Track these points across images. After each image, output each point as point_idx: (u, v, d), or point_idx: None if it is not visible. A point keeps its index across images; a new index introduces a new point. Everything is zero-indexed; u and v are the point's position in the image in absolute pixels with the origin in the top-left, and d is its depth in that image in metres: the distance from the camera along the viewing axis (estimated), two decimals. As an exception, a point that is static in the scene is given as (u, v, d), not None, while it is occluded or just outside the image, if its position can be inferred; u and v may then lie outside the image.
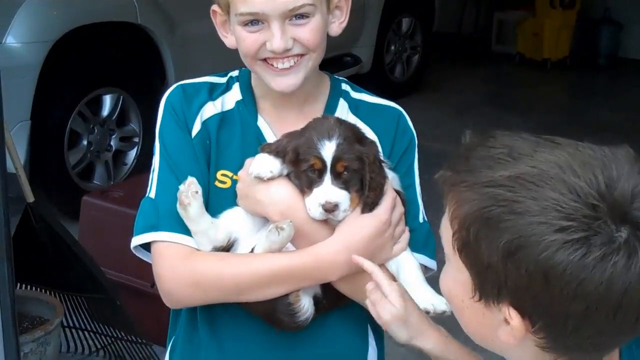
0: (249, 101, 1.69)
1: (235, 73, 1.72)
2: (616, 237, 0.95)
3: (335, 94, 1.73)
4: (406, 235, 1.60)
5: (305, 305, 1.55)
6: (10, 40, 4.43)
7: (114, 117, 5.06)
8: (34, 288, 3.50)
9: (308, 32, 1.58)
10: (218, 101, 1.69)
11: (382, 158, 1.59)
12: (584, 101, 7.95)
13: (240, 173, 1.61)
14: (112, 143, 5.11)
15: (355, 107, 1.73)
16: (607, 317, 0.97)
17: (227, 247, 1.58)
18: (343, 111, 1.71)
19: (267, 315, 1.57)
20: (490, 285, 1.01)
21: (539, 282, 0.96)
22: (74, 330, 3.58)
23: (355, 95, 1.75)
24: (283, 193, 1.55)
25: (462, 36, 9.88)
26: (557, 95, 8.23)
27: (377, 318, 1.51)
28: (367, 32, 6.93)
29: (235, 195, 1.62)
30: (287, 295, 1.54)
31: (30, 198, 3.23)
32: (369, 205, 1.54)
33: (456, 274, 1.07)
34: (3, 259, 2.73)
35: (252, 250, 1.56)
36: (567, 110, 7.62)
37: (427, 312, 1.51)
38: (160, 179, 1.62)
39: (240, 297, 1.56)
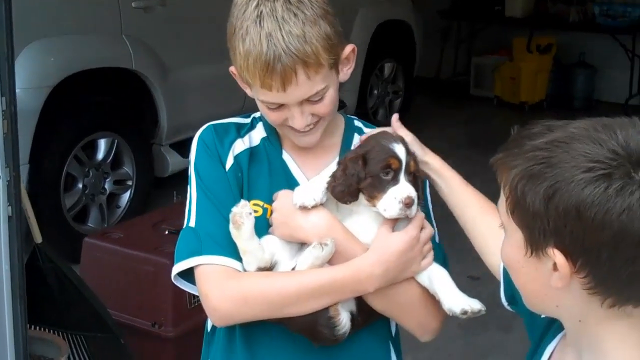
0: (273, 138, 1.84)
1: (257, 114, 1.87)
2: (633, 175, 1.13)
3: (350, 129, 1.89)
4: (432, 252, 1.73)
5: (344, 320, 1.68)
6: (10, 86, 4.52)
7: (109, 161, 5.15)
8: (38, 328, 3.55)
9: (324, 107, 1.73)
10: (246, 138, 1.84)
11: None
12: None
13: (275, 204, 1.74)
14: (106, 186, 5.20)
15: None
16: (634, 246, 1.13)
17: (270, 268, 1.70)
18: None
19: (307, 329, 1.68)
20: (537, 233, 1.19)
21: (573, 217, 1.14)
22: (77, 370, 3.63)
23: (368, 131, 1.89)
24: (321, 217, 1.70)
25: (441, 80, 10.10)
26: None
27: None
28: (352, 76, 7.06)
29: (266, 222, 1.75)
30: (327, 309, 1.66)
31: (39, 239, 3.31)
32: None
33: (511, 238, 1.25)
34: (17, 297, 2.82)
35: (293, 269, 1.69)
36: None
37: (465, 313, 1.64)
38: (199, 209, 1.74)
39: (285, 310, 1.67)
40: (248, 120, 1.88)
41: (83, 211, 5.11)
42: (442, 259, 1.77)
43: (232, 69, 1.76)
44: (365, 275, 1.65)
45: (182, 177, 5.99)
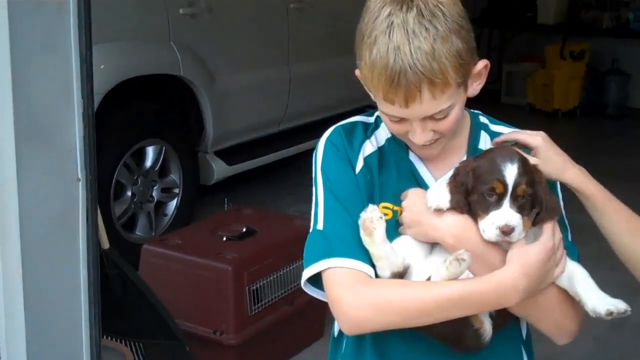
0: (398, 139, 1.77)
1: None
2: None
3: (477, 127, 1.82)
4: (564, 258, 1.67)
5: (488, 328, 1.63)
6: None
7: (157, 168, 5.13)
8: (103, 336, 3.52)
9: (447, 124, 1.66)
10: (373, 138, 1.78)
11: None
12: (595, 149, 8.08)
13: (405, 204, 1.68)
14: (154, 194, 5.17)
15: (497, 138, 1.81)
16: None
17: (403, 273, 1.64)
18: (485, 143, 1.80)
19: (452, 338, 1.63)
20: None
21: None
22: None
23: (494, 127, 1.84)
24: (457, 218, 1.63)
25: (472, 88, 10.04)
26: (569, 144, 8.30)
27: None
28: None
29: (396, 225, 1.69)
30: (471, 321, 1.61)
31: (106, 245, 3.27)
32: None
33: None
34: (92, 304, 2.78)
35: (428, 279, 1.62)
36: (582, 158, 7.70)
37: (611, 314, 1.58)
38: (327, 211, 1.69)
39: (420, 320, 1.61)
40: (372, 119, 1.82)
41: (131, 219, 5.07)
42: (577, 258, 1.71)
43: (357, 72, 1.69)
44: (509, 289, 1.58)
45: (226, 185, 5.99)
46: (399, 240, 1.67)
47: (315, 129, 6.45)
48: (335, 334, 1.84)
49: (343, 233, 1.64)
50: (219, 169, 5.58)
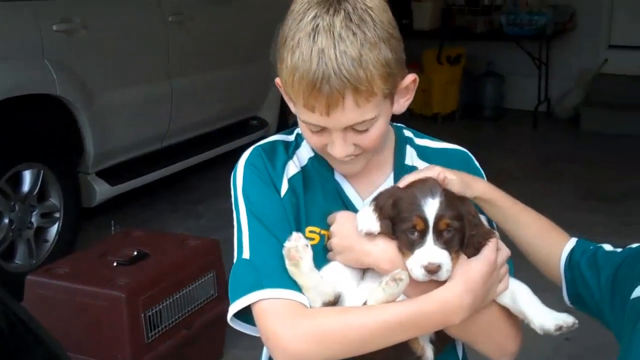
0: (321, 157, 1.67)
1: (300, 130, 1.70)
2: None
3: (402, 142, 1.73)
4: (507, 275, 1.60)
5: (429, 354, 1.55)
6: None
7: (35, 193, 4.86)
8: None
9: (369, 138, 1.56)
10: (295, 158, 1.68)
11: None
12: (476, 150, 8.22)
13: (334, 228, 1.58)
14: (33, 220, 4.90)
15: (422, 153, 1.73)
16: None
17: (334, 302, 1.53)
18: (411, 158, 1.71)
19: None
20: None
21: None
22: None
23: (419, 141, 1.76)
24: (389, 242, 1.54)
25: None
26: (451, 147, 8.48)
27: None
28: (273, 94, 6.96)
29: (324, 250, 1.59)
30: (413, 348, 1.52)
31: (-13, 279, 3.04)
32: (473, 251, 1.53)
33: None
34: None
35: (364, 304, 1.52)
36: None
37: (560, 328, 1.53)
38: (253, 238, 1.57)
39: (363, 349, 1.50)
40: (292, 137, 1.72)
41: (9, 248, 4.79)
42: (512, 274, 1.64)
43: (277, 80, 1.59)
44: (454, 306, 1.49)
45: (111, 206, 5.75)
46: (328, 268, 1.57)
47: (199, 144, 6.30)
48: None
49: (272, 261, 1.52)
50: (102, 190, 5.34)
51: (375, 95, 1.49)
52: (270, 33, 6.49)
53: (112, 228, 4.47)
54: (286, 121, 7.33)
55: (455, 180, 1.60)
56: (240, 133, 6.77)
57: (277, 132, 7.28)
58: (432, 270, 1.47)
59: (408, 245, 1.50)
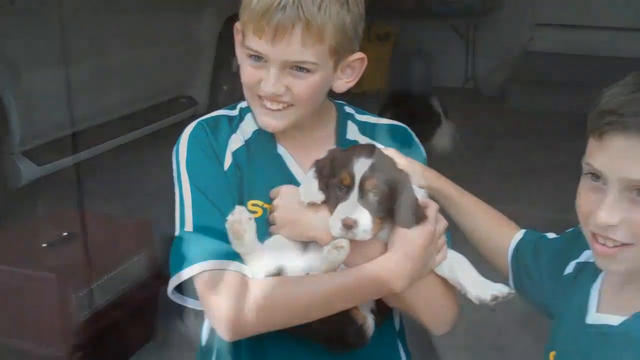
0: (266, 131, 1.68)
1: (244, 104, 1.72)
2: None
3: (343, 118, 1.76)
4: (445, 246, 1.64)
5: (370, 323, 1.58)
6: None
7: (-43, 175, 4.74)
8: None
9: (302, 86, 1.59)
10: (239, 132, 1.69)
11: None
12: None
13: (277, 202, 1.60)
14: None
15: (363, 128, 1.76)
16: None
17: (277, 274, 1.55)
18: (354, 133, 1.73)
19: (335, 338, 1.56)
20: None
21: None
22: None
23: (360, 117, 1.79)
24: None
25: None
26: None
27: None
28: (202, 71, 6.91)
29: (266, 223, 1.60)
30: (354, 318, 1.54)
31: None
32: (415, 220, 1.55)
33: None
34: None
35: (306, 275, 1.54)
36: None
37: (495, 299, 1.57)
38: (196, 210, 1.57)
39: (309, 316, 1.53)
40: (236, 112, 1.73)
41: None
42: (450, 245, 1.68)
43: (236, 25, 1.62)
44: (394, 275, 1.54)
45: (37, 187, 5.64)
46: (270, 241, 1.58)
47: (128, 123, 6.21)
48: (203, 342, 1.72)
49: (215, 234, 1.53)
50: (27, 170, 5.22)
51: (323, 42, 1.54)
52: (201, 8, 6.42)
53: (40, 209, 4.40)
54: (217, 100, 7.29)
55: (407, 166, 1.63)
56: (168, 113, 6.70)
57: (209, 111, 7.21)
58: (349, 224, 1.48)
59: (334, 202, 1.52)
